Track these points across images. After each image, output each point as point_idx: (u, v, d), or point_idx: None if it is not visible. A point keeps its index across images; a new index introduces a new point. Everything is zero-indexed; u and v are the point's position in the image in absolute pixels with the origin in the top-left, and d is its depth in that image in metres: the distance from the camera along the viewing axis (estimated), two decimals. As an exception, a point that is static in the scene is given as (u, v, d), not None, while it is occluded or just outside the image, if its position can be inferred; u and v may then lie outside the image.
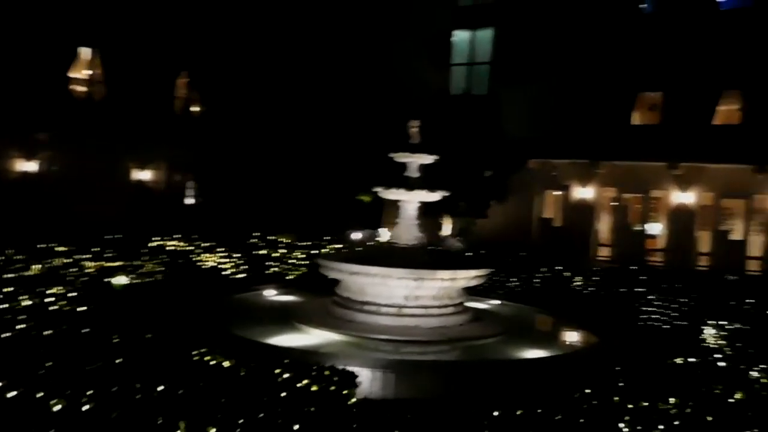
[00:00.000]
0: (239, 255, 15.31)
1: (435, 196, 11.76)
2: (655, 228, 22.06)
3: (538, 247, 22.55)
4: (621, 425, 5.59)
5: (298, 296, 13.02)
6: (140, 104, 22.78)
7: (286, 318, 10.76)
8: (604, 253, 22.27)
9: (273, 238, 17.91)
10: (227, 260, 15.18)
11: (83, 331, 7.36)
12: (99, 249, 13.37)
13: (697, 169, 20.50)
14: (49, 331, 7.22)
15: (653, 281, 14.10)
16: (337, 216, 25.86)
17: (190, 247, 15.60)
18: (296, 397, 5.42)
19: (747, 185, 19.89)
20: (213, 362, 6.24)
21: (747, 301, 12.17)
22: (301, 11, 25.86)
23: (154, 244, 15.21)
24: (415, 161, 11.73)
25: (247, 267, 15.10)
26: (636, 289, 13.52)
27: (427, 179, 23.24)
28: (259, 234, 17.51)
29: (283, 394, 5.39)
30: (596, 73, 22.25)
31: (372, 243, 12.20)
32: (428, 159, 11.70)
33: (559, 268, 15.61)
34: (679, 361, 8.16)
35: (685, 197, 20.80)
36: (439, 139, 22.01)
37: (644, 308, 12.91)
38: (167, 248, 15.20)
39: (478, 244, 19.29)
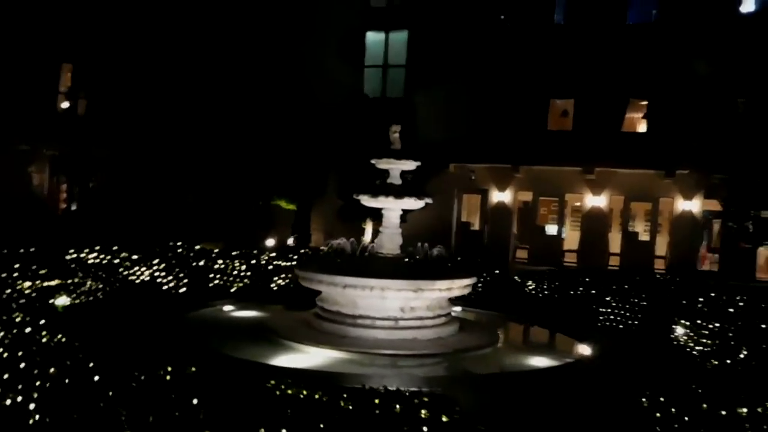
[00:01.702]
0: (178, 268, 13.99)
1: (421, 204, 11.37)
2: (556, 230, 23.10)
3: (458, 251, 22.87)
4: None
5: (261, 311, 12.09)
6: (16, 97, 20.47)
7: (269, 335, 9.91)
8: (522, 255, 22.98)
9: (200, 247, 16.71)
10: (164, 273, 13.82)
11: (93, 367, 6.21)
12: (21, 265, 11.66)
13: (608, 173, 21.71)
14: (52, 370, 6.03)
15: (601, 283, 14.56)
16: (253, 221, 24.79)
17: (116, 260, 14.07)
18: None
19: (653, 189, 21.34)
20: (290, 392, 5.46)
21: (699, 299, 12.84)
22: (207, 10, 24.44)
23: (71, 257, 13.57)
24: (398, 167, 11.25)
25: (187, 281, 13.84)
26: (591, 291, 13.88)
27: (345, 184, 22.89)
28: (180, 243, 16.22)
29: (406, 429, 4.80)
30: (510, 78, 22.90)
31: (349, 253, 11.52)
32: (411, 165, 11.29)
33: (497, 271, 15.79)
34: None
35: (597, 200, 21.94)
36: (353, 142, 21.86)
37: (602, 309, 13.32)
38: (88, 262, 13.61)
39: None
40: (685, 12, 20.98)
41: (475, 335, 10.47)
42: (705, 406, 6.33)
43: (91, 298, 11.57)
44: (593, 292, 13.88)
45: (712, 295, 13.21)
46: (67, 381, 5.94)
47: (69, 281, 11.37)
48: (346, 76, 24.98)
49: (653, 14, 21.97)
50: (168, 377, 5.69)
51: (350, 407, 5.20)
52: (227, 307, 12.27)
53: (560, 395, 7.38)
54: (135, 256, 14.15)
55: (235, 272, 14.66)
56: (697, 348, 10.53)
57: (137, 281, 13.42)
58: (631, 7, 22.02)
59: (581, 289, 14.20)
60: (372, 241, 22.68)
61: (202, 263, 14.71)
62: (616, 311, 13.20)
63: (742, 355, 8.59)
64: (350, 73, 25.21)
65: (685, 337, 10.94)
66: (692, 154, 20.22)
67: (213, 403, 5.31)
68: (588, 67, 21.97)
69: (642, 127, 22.12)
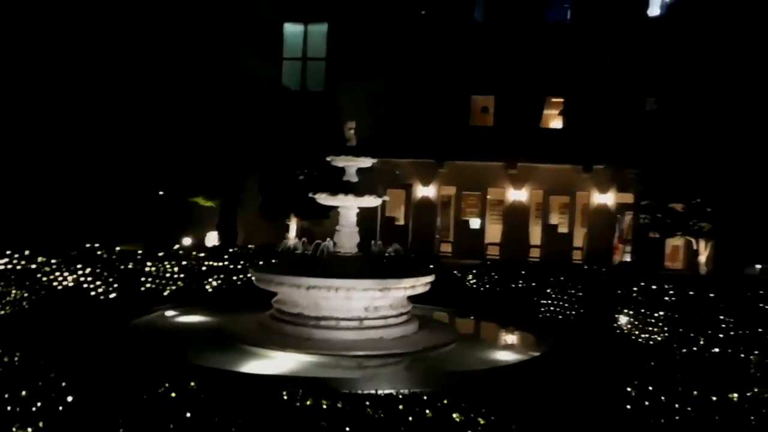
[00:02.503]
0: (106, 272, 13.01)
1: (379, 202, 11.16)
2: (479, 224, 23.62)
3: (384, 245, 22.80)
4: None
5: (207, 316, 11.47)
6: None
7: (229, 341, 9.40)
8: (446, 249, 23.27)
9: (120, 248, 15.69)
10: (91, 278, 12.81)
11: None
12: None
13: (529, 168, 22.38)
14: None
15: (536, 275, 14.95)
16: (168, 220, 23.62)
17: (33, 266, 12.89)
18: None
19: (571, 183, 22.22)
20: (308, 403, 5.12)
21: (634, 288, 13.46)
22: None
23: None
24: (354, 165, 10.98)
25: (117, 285, 12.90)
26: (531, 284, 14.22)
27: (267, 180, 22.23)
28: (98, 245, 15.16)
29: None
30: (432, 74, 23.07)
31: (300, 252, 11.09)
32: (368, 162, 11.04)
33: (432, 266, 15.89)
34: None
35: (518, 194, 22.57)
36: (274, 137, 21.30)
37: (543, 301, 13.68)
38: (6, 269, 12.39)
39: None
40: (598, 13, 21.96)
41: (436, 333, 10.40)
42: (695, 392, 6.58)
43: (16, 308, 10.54)
44: (533, 284, 14.24)
45: (642, 284, 13.88)
46: (52, 404, 5.33)
47: (-8, 291, 10.28)
48: (265, 70, 24.28)
49: (568, 14, 22.83)
50: (173, 394, 5.20)
51: (381, 415, 4.96)
52: (170, 313, 11.57)
53: (541, 387, 7.46)
54: (54, 261, 13.04)
55: (168, 275, 13.86)
56: (642, 336, 11.06)
57: (59, 288, 12.40)
58: (548, 7, 22.78)
59: (521, 282, 14.54)
60: (311, 240, 22.39)
61: (130, 266, 13.79)
62: (557, 302, 13.61)
63: (700, 344, 9.05)
64: (269, 66, 24.52)
65: (629, 326, 11.45)
66: (606, 149, 21.18)
67: (228, 420, 4.91)
68: (507, 64, 22.51)
69: (559, 124, 22.95)
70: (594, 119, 21.48)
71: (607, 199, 22.01)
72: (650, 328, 10.83)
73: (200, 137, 22.40)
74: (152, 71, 22.83)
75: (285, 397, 5.31)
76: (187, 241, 22.80)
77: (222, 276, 14.70)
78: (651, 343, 10.61)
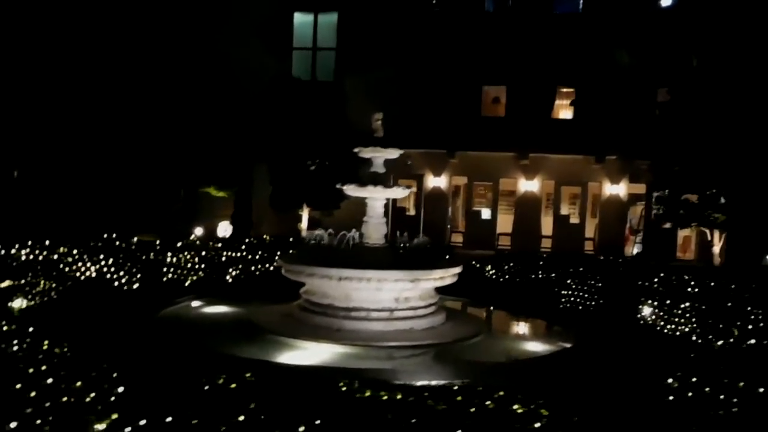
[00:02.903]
0: (129, 262, 13.01)
1: (406, 193, 11.19)
2: (490, 214, 23.66)
3: (394, 237, 22.85)
4: None
5: (233, 306, 11.51)
6: None
7: (260, 332, 9.44)
8: (457, 239, 23.30)
9: (137, 239, 15.74)
10: (113, 268, 12.81)
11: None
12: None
13: (540, 158, 22.38)
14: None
15: (555, 266, 14.99)
16: (178, 211, 23.62)
17: (55, 255, 12.89)
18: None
19: (582, 174, 22.25)
20: (367, 394, 5.15)
21: (654, 279, 13.51)
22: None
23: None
24: (382, 156, 10.99)
25: (140, 276, 12.91)
26: (551, 275, 14.26)
27: (277, 170, 22.21)
28: (115, 235, 15.20)
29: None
30: (443, 64, 22.99)
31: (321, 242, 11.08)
32: (395, 154, 11.04)
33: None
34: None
35: (530, 185, 22.59)
36: (282, 127, 21.25)
37: (563, 292, 13.73)
38: (32, 259, 12.40)
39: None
40: (609, 4, 21.89)
41: (464, 324, 10.46)
42: (741, 384, 6.62)
43: (45, 299, 10.55)
44: (553, 275, 14.28)
45: (662, 275, 13.93)
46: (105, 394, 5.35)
47: (22, 281, 10.27)
48: (275, 59, 24.18)
49: (579, 5, 22.75)
50: (233, 386, 5.22)
51: (443, 407, 4.99)
52: (195, 303, 11.59)
53: (583, 378, 7.52)
54: (75, 251, 13.05)
55: (189, 265, 13.87)
56: (668, 327, 11.10)
57: (82, 278, 12.41)
58: (558, -3, 22.78)
59: (540, 273, 14.57)
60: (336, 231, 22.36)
61: (151, 257, 13.81)
62: (577, 293, 13.64)
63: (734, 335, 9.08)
64: (278, 56, 24.41)
65: (654, 317, 11.48)
66: (617, 140, 21.24)
67: (291, 413, 4.92)
68: (518, 54, 22.44)
69: (570, 114, 22.92)
70: (605, 110, 21.47)
71: (619, 189, 22.05)
72: (676, 320, 10.87)
73: (211, 128, 22.35)
74: (162, 63, 22.73)
75: (343, 389, 5.35)
76: (198, 231, 22.82)
77: (240, 266, 14.74)
78: (677, 334, 10.68)
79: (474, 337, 9.80)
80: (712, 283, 12.96)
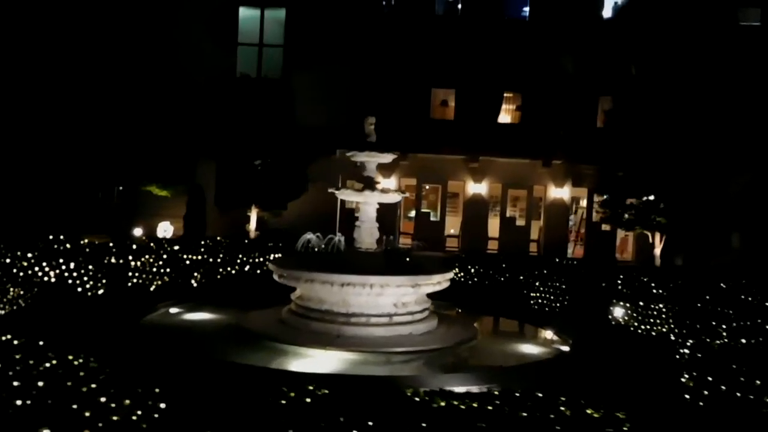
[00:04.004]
0: (91, 266, 12.25)
1: (400, 198, 11.15)
2: (438, 216, 23.97)
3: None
4: None
5: (214, 313, 11.09)
6: None
7: (255, 339, 9.15)
8: (405, 241, 23.38)
9: (87, 241, 14.89)
10: (75, 273, 12.03)
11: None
12: None
13: (487, 162, 22.82)
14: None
15: (518, 268, 15.34)
16: (117, 210, 22.55)
17: (7, 260, 11.97)
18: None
19: (528, 177, 22.89)
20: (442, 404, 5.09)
21: (618, 282, 14.09)
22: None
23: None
24: (375, 160, 10.89)
25: (105, 281, 12.20)
26: (519, 277, 14.59)
27: (223, 169, 21.60)
28: (62, 237, 14.29)
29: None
30: (392, 64, 23.01)
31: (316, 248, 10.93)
32: (388, 158, 10.99)
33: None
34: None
35: (478, 187, 23.01)
36: (228, 124, 20.73)
37: (532, 294, 14.10)
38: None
39: (282, 236, 18.73)
40: (554, 13, 22.61)
41: (456, 327, 10.52)
42: (758, 382, 7.01)
43: (15, 307, 9.79)
44: (521, 277, 14.62)
45: (622, 276, 14.56)
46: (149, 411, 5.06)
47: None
48: (220, 55, 23.46)
49: (526, 12, 23.38)
50: (308, 399, 5.02)
51: (525, 414, 5.00)
52: (174, 310, 11.08)
53: (600, 379, 7.76)
54: (30, 255, 12.17)
55: (154, 269, 13.24)
56: (642, 327, 11.61)
57: (44, 284, 11.60)
58: (507, 3, 23.24)
59: (507, 275, 14.88)
60: (269, 230, 21.76)
61: (113, 260, 13.07)
62: (545, 295, 14.05)
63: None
64: (223, 51, 23.69)
65: (626, 317, 11.98)
66: (563, 145, 21.99)
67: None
68: (467, 58, 22.77)
69: (517, 119, 23.48)
70: (551, 115, 22.17)
71: (563, 193, 22.84)
72: (651, 320, 11.38)
73: (153, 125, 21.42)
74: (100, 55, 21.56)
75: (417, 399, 5.26)
76: (137, 231, 21.86)
77: (203, 270, 14.25)
78: (653, 334, 11.19)
79: (472, 340, 9.90)
80: (671, 285, 13.69)
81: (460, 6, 23.50)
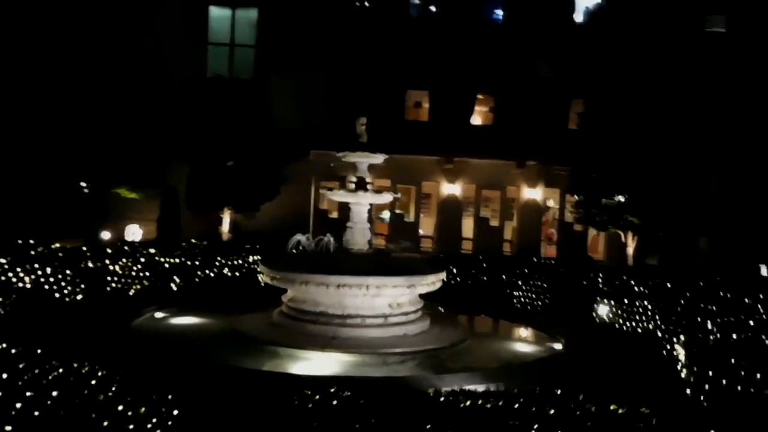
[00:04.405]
0: (68, 271, 11.84)
1: (390, 198, 11.08)
2: (413, 217, 24.01)
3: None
4: None
5: (201, 317, 10.84)
6: None
7: (250, 343, 8.98)
8: (379, 242, 23.31)
9: (59, 245, 14.48)
10: (53, 279, 11.62)
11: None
12: None
13: (462, 163, 22.92)
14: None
15: (499, 267, 15.41)
16: (85, 213, 21.96)
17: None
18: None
19: (502, 178, 23.09)
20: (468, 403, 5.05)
21: (598, 279, 14.28)
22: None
23: None
24: (366, 161, 10.81)
25: (83, 286, 11.81)
26: (501, 276, 14.66)
27: (195, 171, 21.20)
28: (32, 241, 13.84)
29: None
30: (366, 66, 22.91)
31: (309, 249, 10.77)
32: (380, 159, 10.92)
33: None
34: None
35: (452, 188, 23.09)
36: (199, 125, 20.41)
37: (514, 293, 14.20)
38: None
39: (257, 238, 18.58)
40: (528, 16, 22.85)
41: (448, 327, 10.51)
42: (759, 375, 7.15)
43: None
44: (503, 277, 14.70)
45: (601, 275, 14.79)
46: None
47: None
48: (190, 55, 23.05)
49: (501, 16, 23.55)
50: (335, 402, 4.92)
51: (553, 412, 4.99)
52: (159, 314, 10.79)
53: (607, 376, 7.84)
54: (3, 260, 11.73)
55: (132, 273, 12.89)
56: (627, 324, 11.78)
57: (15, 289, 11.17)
58: (481, 6, 23.38)
59: (487, 275, 14.94)
60: (242, 233, 21.39)
61: (90, 264, 12.69)
62: (527, 294, 14.17)
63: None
64: (193, 51, 23.28)
65: (611, 315, 12.14)
66: (536, 147, 22.23)
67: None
68: (441, 60, 22.80)
69: (490, 121, 23.62)
70: (524, 117, 22.38)
71: (536, 194, 23.08)
72: (636, 317, 11.55)
73: (122, 125, 20.93)
74: (67, 54, 20.95)
75: (441, 399, 5.22)
76: (106, 235, 21.33)
77: (183, 274, 13.93)
78: (639, 331, 11.37)
79: (465, 340, 9.89)
80: (650, 283, 13.94)
81: (434, 8, 23.55)
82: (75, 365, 5.64)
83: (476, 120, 23.68)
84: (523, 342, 10.39)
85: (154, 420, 5.16)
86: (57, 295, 11.38)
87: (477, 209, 23.31)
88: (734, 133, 19.52)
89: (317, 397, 5.02)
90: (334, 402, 4.93)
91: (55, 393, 4.78)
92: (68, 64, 20.83)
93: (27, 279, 11.45)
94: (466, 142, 22.69)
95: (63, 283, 11.49)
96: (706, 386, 7.33)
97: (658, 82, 19.75)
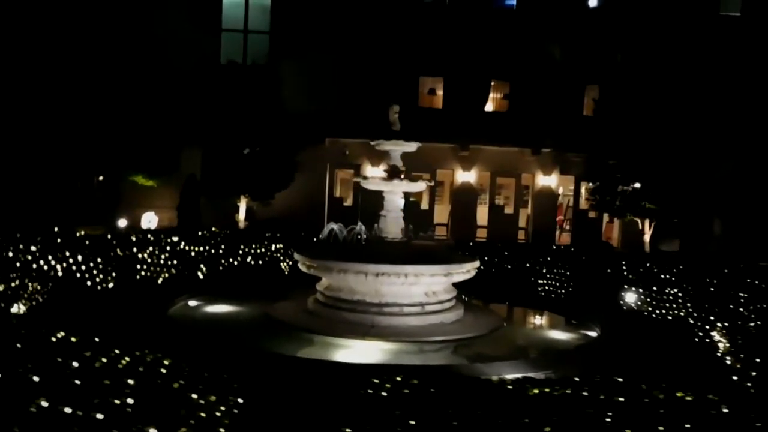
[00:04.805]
0: (99, 259, 11.87)
1: (424, 186, 11.10)
2: (428, 205, 24.01)
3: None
4: None
5: (234, 305, 10.90)
6: None
7: (292, 330, 9.04)
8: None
9: (84, 232, 14.49)
10: (84, 267, 11.65)
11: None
12: None
13: (476, 150, 22.90)
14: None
15: (522, 255, 15.45)
16: (101, 200, 21.96)
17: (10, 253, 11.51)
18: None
19: (516, 165, 23.07)
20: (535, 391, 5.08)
21: (622, 265, 14.31)
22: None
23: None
24: (399, 149, 10.81)
25: (115, 275, 11.84)
26: (525, 264, 14.69)
27: (210, 158, 21.17)
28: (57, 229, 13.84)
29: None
30: (379, 52, 22.83)
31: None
32: (413, 147, 10.91)
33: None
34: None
35: (467, 176, 23.08)
36: (214, 112, 20.33)
37: (539, 281, 14.23)
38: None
39: (274, 225, 18.60)
40: (541, 1, 22.74)
41: (482, 315, 10.55)
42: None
43: (34, 303, 9.43)
44: (527, 265, 14.73)
45: (623, 263, 14.82)
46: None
47: (12, 285, 9.09)
48: (203, 41, 22.94)
49: (514, 1, 23.41)
50: (406, 390, 4.95)
51: (621, 399, 5.02)
52: (192, 303, 10.83)
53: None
54: (34, 248, 11.73)
55: (161, 262, 12.92)
56: (657, 312, 11.79)
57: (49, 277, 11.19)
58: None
59: (511, 263, 14.97)
60: (257, 219, 21.39)
61: (119, 253, 12.70)
62: (551, 282, 14.19)
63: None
64: (206, 37, 23.17)
65: (640, 302, 12.17)
66: (551, 133, 22.20)
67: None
68: (455, 46, 22.72)
69: (505, 107, 23.56)
70: (538, 104, 22.33)
71: (551, 181, 23.07)
72: (667, 305, 11.58)
73: (136, 113, 20.84)
74: (81, 42, 20.81)
75: (509, 387, 5.24)
76: (122, 223, 21.33)
77: (208, 262, 13.97)
78: (669, 318, 11.40)
79: (501, 328, 9.94)
80: (674, 270, 13.98)
81: (445, -5, 23.43)
82: (138, 354, 5.68)
83: (491, 107, 23.60)
84: (557, 330, 10.42)
85: (222, 408, 5.19)
86: (89, 283, 11.43)
87: (491, 197, 23.31)
88: (749, 117, 19.45)
89: (388, 385, 5.04)
90: (406, 391, 4.95)
91: (131, 381, 4.81)
92: (81, 54, 20.70)
93: (59, 267, 11.47)
94: (480, 129, 22.65)
95: (94, 272, 11.52)
96: (753, 373, 7.39)
97: (673, 67, 19.69)
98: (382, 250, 9.90)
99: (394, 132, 10.80)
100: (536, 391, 5.21)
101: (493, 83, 23.56)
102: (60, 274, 11.35)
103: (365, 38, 22.94)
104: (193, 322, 9.45)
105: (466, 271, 9.92)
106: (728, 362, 7.91)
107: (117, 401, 4.57)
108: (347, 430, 4.28)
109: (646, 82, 19.75)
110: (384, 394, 4.93)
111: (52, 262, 11.42)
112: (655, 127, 19.00)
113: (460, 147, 22.73)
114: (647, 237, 19.63)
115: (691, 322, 10.74)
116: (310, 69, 22.80)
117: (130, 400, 4.45)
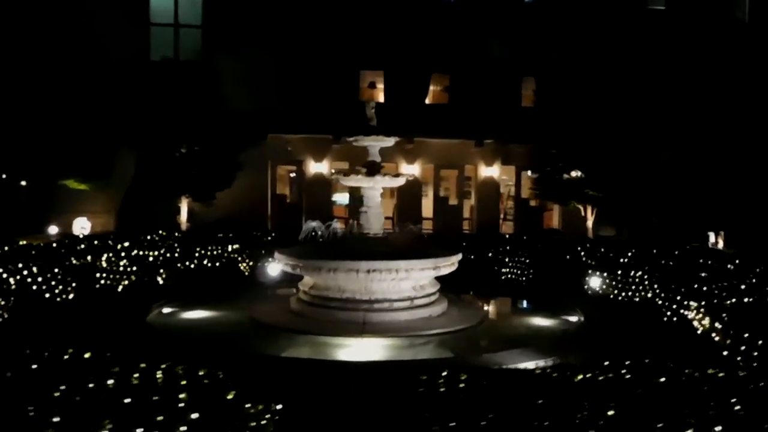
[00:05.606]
0: (57, 269, 11.10)
1: (403, 181, 11.01)
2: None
3: (275, 224, 22.18)
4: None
5: (211, 310, 10.47)
6: None
7: (283, 333, 8.78)
8: (340, 225, 23.13)
9: (24, 242, 13.64)
10: (41, 278, 10.87)
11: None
12: None
13: (420, 143, 23.00)
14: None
15: (480, 245, 15.67)
16: (28, 206, 20.66)
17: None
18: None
19: (459, 157, 23.35)
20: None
21: (579, 252, 14.77)
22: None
23: None
24: (378, 145, 10.68)
25: (74, 284, 11.11)
26: (488, 254, 14.90)
27: (144, 158, 20.31)
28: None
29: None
30: (318, 46, 22.50)
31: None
32: (391, 142, 10.82)
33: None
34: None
35: (411, 169, 23.15)
36: (146, 110, 19.55)
37: (502, 270, 14.47)
38: None
39: (221, 226, 18.21)
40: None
41: (466, 306, 10.62)
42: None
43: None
44: (489, 255, 14.95)
45: (588, 247, 15.31)
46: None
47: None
48: (132, 36, 21.92)
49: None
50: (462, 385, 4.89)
51: (662, 380, 5.14)
52: (167, 310, 10.32)
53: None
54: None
55: (121, 269, 12.25)
56: (622, 294, 12.21)
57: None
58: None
59: (473, 253, 15.14)
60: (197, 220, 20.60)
61: (74, 261, 11.98)
62: (514, 270, 14.46)
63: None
64: (135, 32, 22.14)
65: (605, 286, 12.57)
66: (492, 125, 22.59)
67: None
68: (394, 40, 22.68)
69: (445, 100, 23.74)
70: (478, 96, 22.65)
71: (493, 171, 23.51)
72: (633, 287, 12.01)
73: (63, 113, 19.67)
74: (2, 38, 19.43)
75: (555, 375, 5.28)
76: (53, 230, 20.16)
77: (166, 267, 13.39)
78: (636, 300, 11.84)
79: (487, 319, 10.04)
80: (629, 254, 14.56)
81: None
82: (164, 366, 5.36)
83: (432, 99, 23.77)
84: (539, 317, 10.60)
85: (267, 416, 5.02)
86: (47, 295, 10.69)
87: (436, 189, 23.52)
88: (682, 107, 20.46)
89: (441, 381, 4.97)
90: (461, 386, 4.89)
91: (182, 395, 4.54)
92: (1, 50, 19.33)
93: (11, 280, 10.66)
94: (422, 122, 22.73)
95: (53, 282, 10.78)
96: (743, 347, 7.77)
97: (605, 59, 20.46)
98: (367, 246, 9.78)
99: (372, 127, 10.62)
100: (579, 377, 5.27)
101: (433, 76, 23.71)
102: (14, 287, 10.56)
103: (304, 32, 22.54)
104: (179, 331, 9.01)
105: (452, 263, 9.94)
106: (716, 339, 8.31)
107: (182, 419, 4.30)
108: (435, 428, 4.18)
109: (580, 74, 20.44)
110: (442, 390, 4.86)
111: (4, 275, 10.61)
112: (593, 118, 19.68)
113: (404, 140, 22.74)
114: (590, 223, 20.36)
115: (659, 302, 11.23)
116: (248, 65, 22.11)
117: (194, 415, 4.18)
